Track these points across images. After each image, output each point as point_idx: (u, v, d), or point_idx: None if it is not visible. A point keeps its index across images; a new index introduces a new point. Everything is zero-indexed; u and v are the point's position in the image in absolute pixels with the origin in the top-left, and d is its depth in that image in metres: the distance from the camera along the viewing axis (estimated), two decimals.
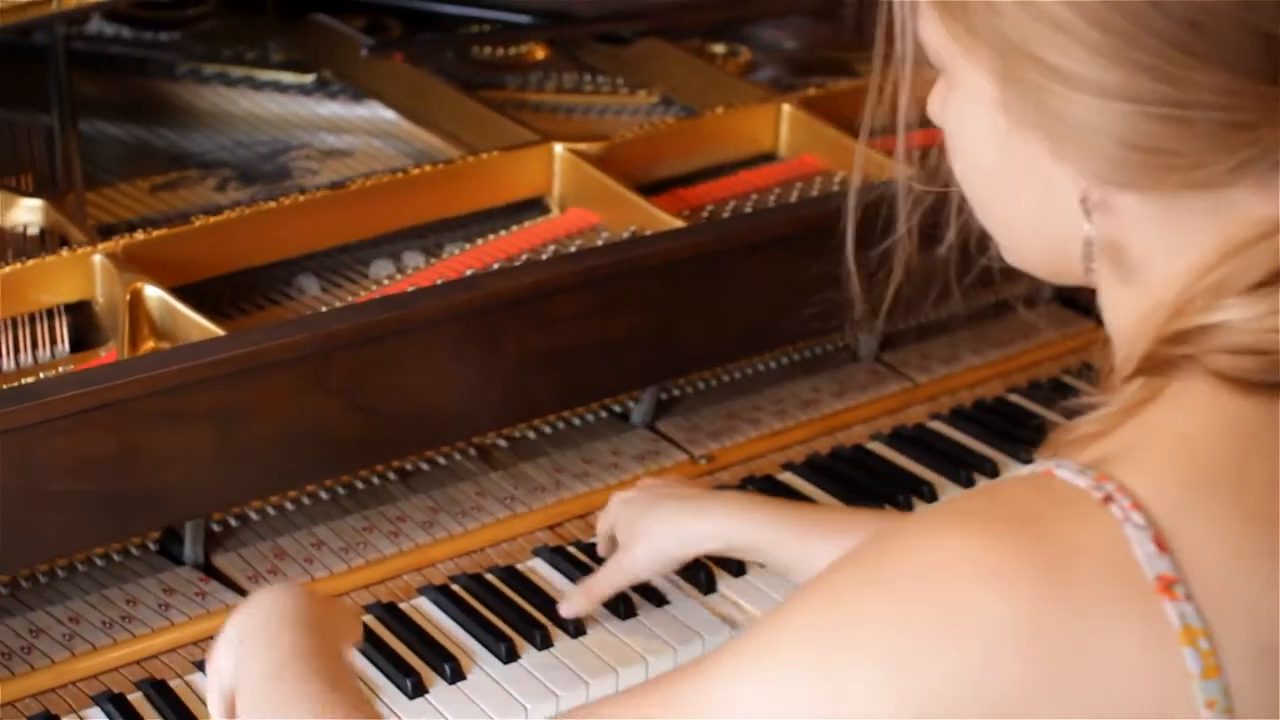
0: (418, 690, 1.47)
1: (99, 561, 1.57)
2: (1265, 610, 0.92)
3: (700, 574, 1.60)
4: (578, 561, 1.62)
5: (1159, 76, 0.93)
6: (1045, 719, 0.89)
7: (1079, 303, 1.98)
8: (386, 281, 1.74)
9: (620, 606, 1.56)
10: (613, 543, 1.57)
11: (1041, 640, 0.89)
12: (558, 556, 1.63)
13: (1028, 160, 1.00)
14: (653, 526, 1.51)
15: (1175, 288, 0.99)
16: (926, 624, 0.90)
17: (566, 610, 1.53)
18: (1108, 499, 0.91)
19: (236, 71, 2.14)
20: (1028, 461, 1.16)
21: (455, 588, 1.59)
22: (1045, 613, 0.89)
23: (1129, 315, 1.02)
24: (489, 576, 1.61)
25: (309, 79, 2.13)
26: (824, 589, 0.94)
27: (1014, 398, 1.93)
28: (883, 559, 0.93)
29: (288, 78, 2.14)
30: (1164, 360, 0.98)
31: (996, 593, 0.89)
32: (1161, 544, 0.90)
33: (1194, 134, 0.94)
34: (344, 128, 2.06)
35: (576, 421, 1.79)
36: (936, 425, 1.88)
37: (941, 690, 0.89)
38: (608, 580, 1.53)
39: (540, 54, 2.24)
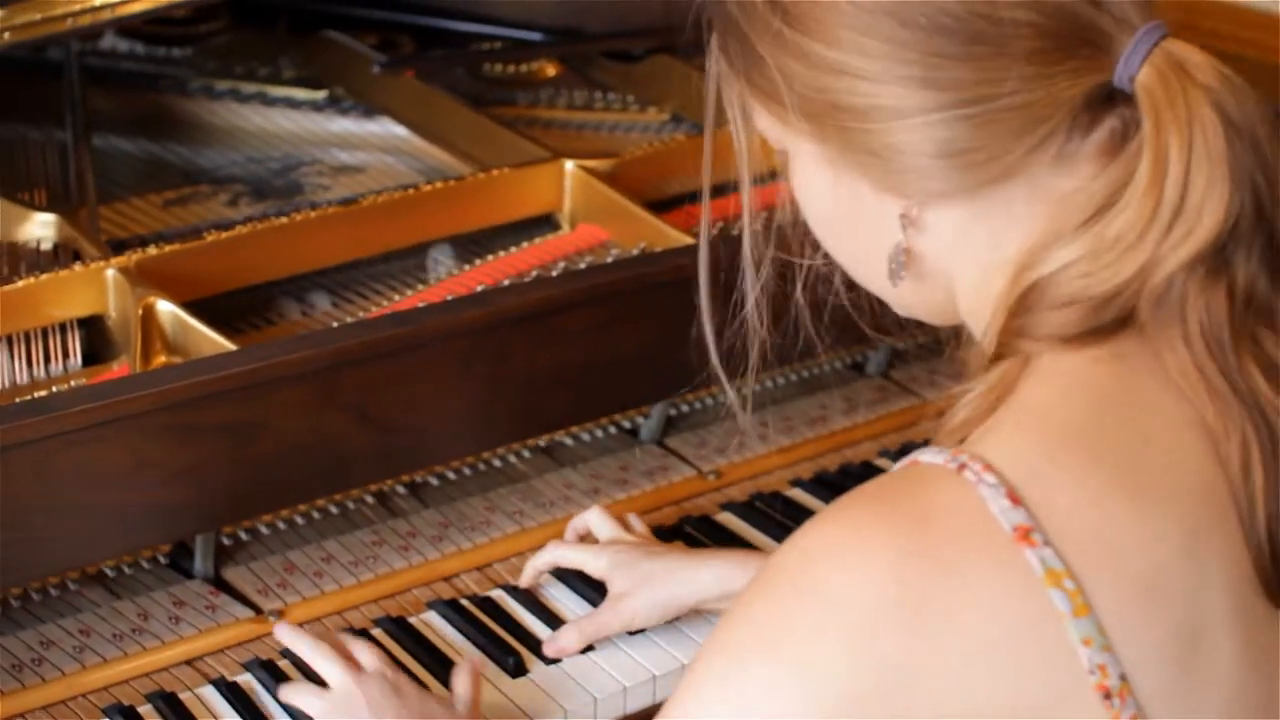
0: None
1: (109, 574, 1.58)
2: (1131, 548, 0.97)
3: None
4: (586, 577, 1.62)
5: (930, 84, 1.01)
6: (934, 673, 0.94)
7: None
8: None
9: None
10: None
11: (912, 601, 0.94)
12: (566, 571, 1.63)
13: (856, 200, 1.08)
14: (655, 574, 1.53)
15: (1008, 273, 1.05)
16: (809, 617, 0.96)
17: (552, 649, 1.52)
18: (961, 467, 0.97)
19: (248, 87, 2.15)
20: None
21: (464, 603, 1.59)
22: (911, 574, 0.94)
23: (981, 311, 1.08)
24: (498, 591, 1.61)
25: (321, 95, 2.14)
26: (730, 617, 1.01)
27: None
28: (769, 575, 0.99)
29: (299, 94, 2.15)
30: (1010, 336, 1.04)
31: (862, 569, 0.95)
32: (1015, 498, 0.96)
33: (980, 127, 1.01)
34: (355, 144, 2.07)
35: (586, 437, 1.80)
36: None
37: (835, 673, 0.95)
38: (604, 625, 1.53)
39: (551, 71, 2.25)
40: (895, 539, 0.95)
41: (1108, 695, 0.95)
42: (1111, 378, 1.02)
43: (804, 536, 0.99)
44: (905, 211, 1.06)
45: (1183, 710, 0.98)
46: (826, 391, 1.92)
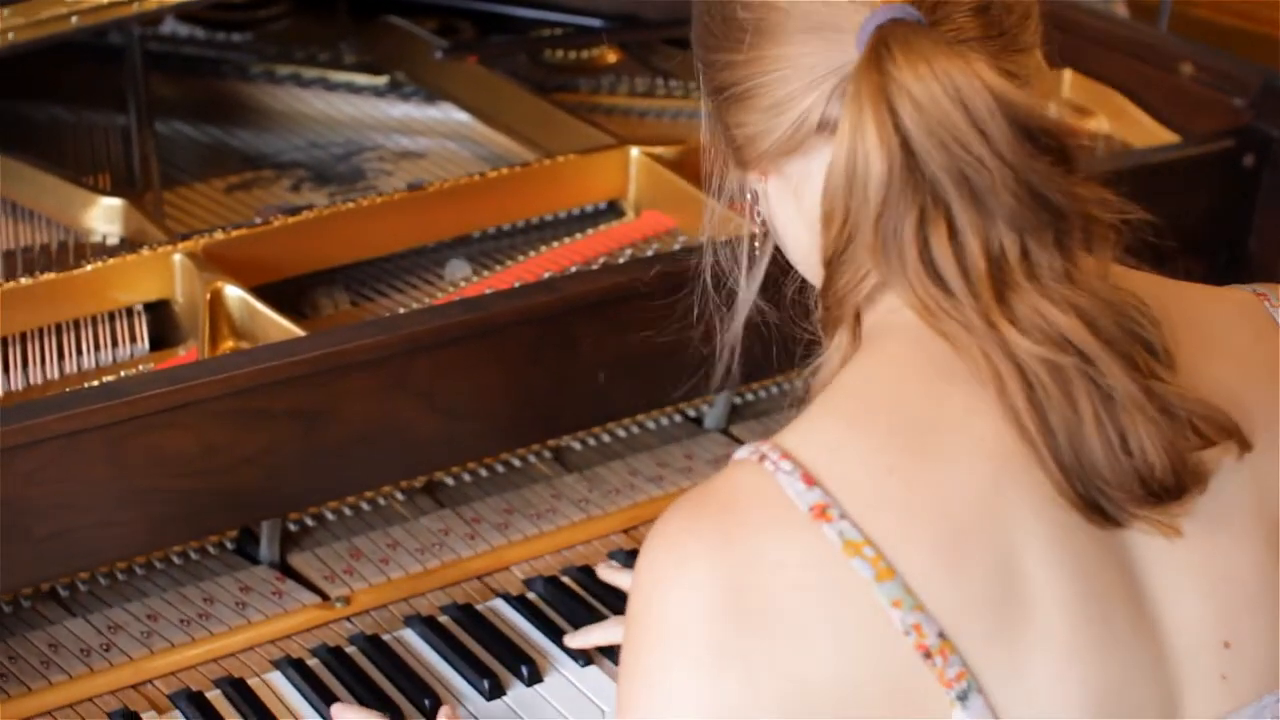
0: (495, 692, 1.47)
1: (176, 560, 1.57)
2: (929, 508, 1.00)
3: None
4: None
5: (738, 66, 1.09)
6: (779, 658, 0.98)
7: None
8: (463, 283, 1.75)
9: None
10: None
11: (735, 600, 0.98)
12: (633, 560, 1.62)
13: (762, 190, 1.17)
14: None
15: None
16: (662, 651, 1.00)
17: (575, 642, 1.51)
18: (761, 458, 1.02)
19: (310, 73, 2.15)
20: None
21: (530, 594, 1.59)
22: (724, 573, 0.99)
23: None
24: (565, 579, 1.60)
25: (382, 80, 2.14)
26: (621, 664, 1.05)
27: None
28: (630, 613, 1.03)
29: (361, 79, 2.14)
30: (833, 306, 1.11)
31: (685, 587, 0.99)
32: (810, 480, 1.00)
33: (761, 96, 1.08)
34: (417, 129, 2.07)
35: (651, 425, 1.79)
36: None
37: (701, 693, 0.99)
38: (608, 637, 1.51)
39: (612, 57, 2.24)
40: (703, 544, 1.00)
41: (928, 654, 0.98)
42: (919, 339, 1.05)
43: (638, 569, 1.03)
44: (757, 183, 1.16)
45: (1010, 653, 1.00)
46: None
